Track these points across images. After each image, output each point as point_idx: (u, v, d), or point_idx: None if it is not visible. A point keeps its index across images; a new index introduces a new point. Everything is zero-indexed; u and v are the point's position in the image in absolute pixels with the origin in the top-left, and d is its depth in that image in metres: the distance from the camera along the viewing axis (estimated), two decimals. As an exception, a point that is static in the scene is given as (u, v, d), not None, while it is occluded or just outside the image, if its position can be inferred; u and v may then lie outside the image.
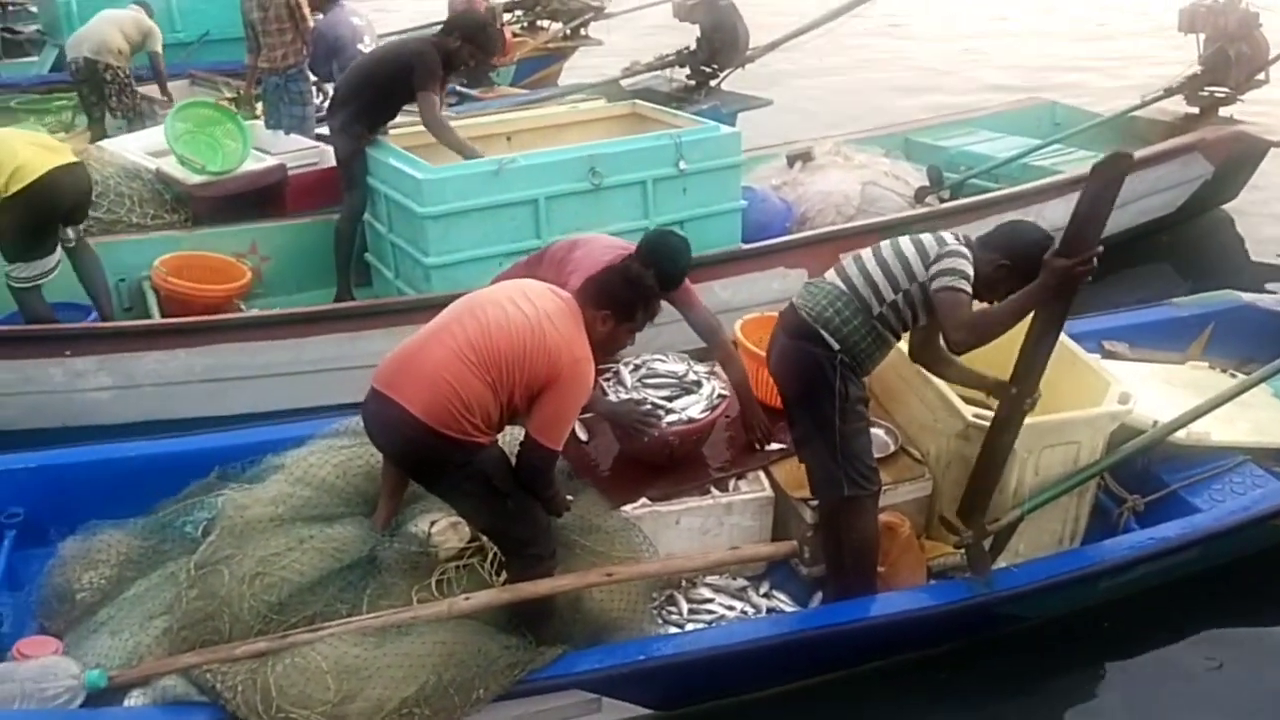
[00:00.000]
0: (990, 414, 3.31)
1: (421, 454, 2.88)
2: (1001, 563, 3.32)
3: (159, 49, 7.83)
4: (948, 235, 3.21)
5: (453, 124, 5.43)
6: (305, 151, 6.03)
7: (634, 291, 3.00)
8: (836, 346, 3.11)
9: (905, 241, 3.21)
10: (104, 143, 6.37)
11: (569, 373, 2.84)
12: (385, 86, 5.21)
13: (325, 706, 2.69)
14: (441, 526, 3.10)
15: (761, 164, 6.35)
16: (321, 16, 6.40)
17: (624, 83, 7.98)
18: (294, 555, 3.05)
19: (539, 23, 10.08)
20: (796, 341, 3.17)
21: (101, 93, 7.50)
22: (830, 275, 3.26)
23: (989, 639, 3.43)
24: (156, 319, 4.96)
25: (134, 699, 2.83)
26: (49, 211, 4.67)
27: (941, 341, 3.22)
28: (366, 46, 6.31)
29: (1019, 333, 3.17)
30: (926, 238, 3.22)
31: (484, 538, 3.18)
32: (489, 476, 2.90)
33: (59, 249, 4.81)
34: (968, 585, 3.24)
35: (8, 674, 2.71)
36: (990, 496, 3.31)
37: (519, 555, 3.00)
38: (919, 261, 3.13)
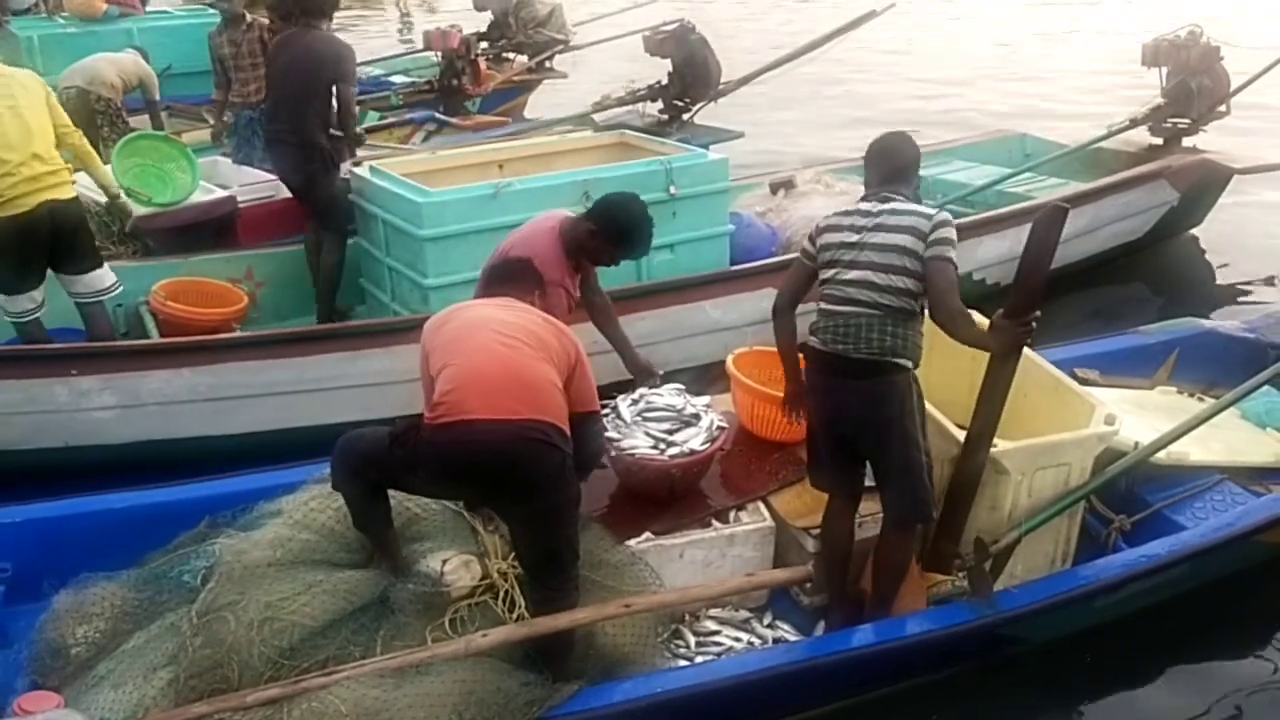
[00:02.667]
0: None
1: (551, 455, 2.89)
2: (999, 586, 3.36)
3: (156, 96, 7.96)
4: (927, 208, 3.17)
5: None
6: (260, 185, 6.02)
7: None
8: (910, 365, 3.11)
9: (892, 235, 3.10)
10: None
11: (580, 348, 3.20)
12: (309, 84, 5.31)
13: (346, 750, 2.66)
14: (454, 566, 3.09)
15: (745, 192, 6.45)
16: None
17: (595, 116, 8.04)
18: (304, 599, 3.02)
19: (504, 55, 10.11)
20: (866, 382, 3.09)
21: (92, 122, 7.51)
22: (844, 307, 3.13)
23: (987, 665, 3.46)
24: (159, 339, 4.97)
25: (143, 752, 2.76)
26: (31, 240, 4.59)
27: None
28: None
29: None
30: (910, 219, 3.10)
31: (498, 581, 3.17)
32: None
33: (41, 288, 4.73)
34: (972, 608, 3.27)
35: (16, 729, 2.67)
36: (962, 531, 3.37)
37: (567, 580, 3.02)
38: (918, 243, 3.06)
